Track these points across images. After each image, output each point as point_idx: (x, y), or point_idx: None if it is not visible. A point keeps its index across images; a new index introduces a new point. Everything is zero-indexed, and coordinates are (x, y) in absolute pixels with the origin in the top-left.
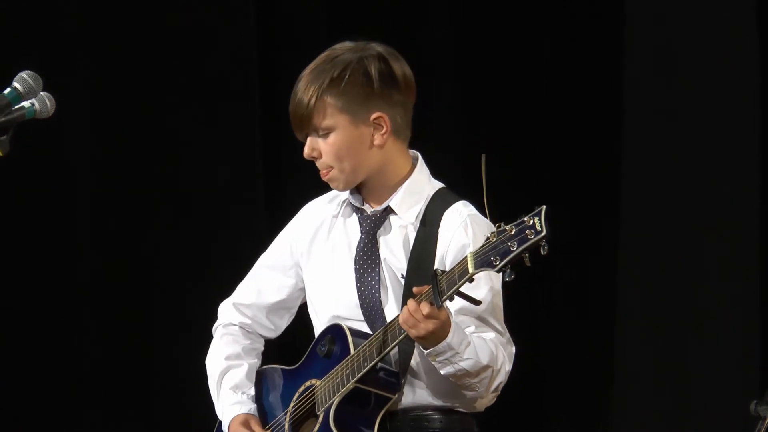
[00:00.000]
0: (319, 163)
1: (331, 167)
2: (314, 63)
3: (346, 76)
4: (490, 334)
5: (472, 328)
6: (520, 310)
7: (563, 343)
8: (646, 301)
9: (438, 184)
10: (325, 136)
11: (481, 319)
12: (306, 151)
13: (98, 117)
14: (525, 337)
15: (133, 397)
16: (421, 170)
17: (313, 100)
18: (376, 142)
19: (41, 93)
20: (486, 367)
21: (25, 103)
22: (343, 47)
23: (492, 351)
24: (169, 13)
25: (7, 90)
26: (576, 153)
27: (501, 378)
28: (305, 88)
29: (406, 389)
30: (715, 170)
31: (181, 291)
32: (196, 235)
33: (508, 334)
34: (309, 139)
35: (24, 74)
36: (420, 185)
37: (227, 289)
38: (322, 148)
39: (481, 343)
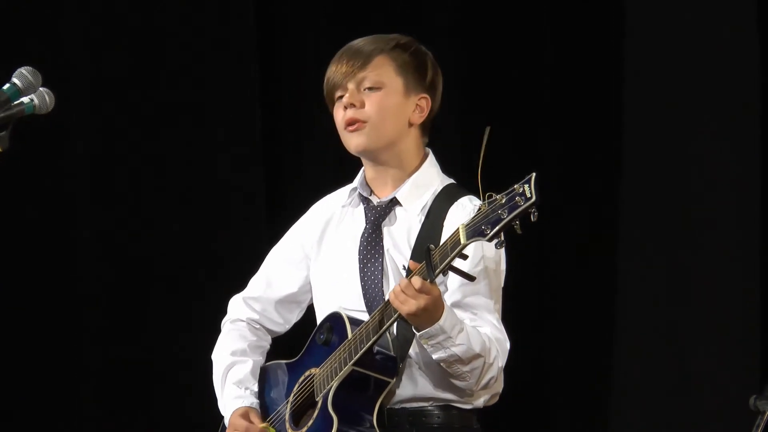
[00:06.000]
0: (355, 113)
1: (366, 122)
2: (365, 38)
3: (412, 48)
4: (486, 329)
5: (467, 321)
6: (522, 310)
7: (564, 340)
8: (645, 296)
9: (447, 180)
10: (372, 90)
11: (476, 314)
12: (347, 99)
13: (97, 114)
14: (527, 334)
15: (134, 397)
16: (431, 164)
17: (375, 53)
18: (413, 120)
19: (40, 88)
20: (477, 356)
21: (25, 99)
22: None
23: (485, 342)
24: (167, 9)
25: (6, 86)
26: (575, 148)
27: (493, 372)
28: (368, 42)
29: (404, 380)
30: (716, 165)
31: (181, 290)
32: (196, 234)
33: (503, 329)
34: (351, 90)
35: (23, 70)
36: (428, 179)
37: (228, 288)
38: (366, 101)
39: (474, 333)
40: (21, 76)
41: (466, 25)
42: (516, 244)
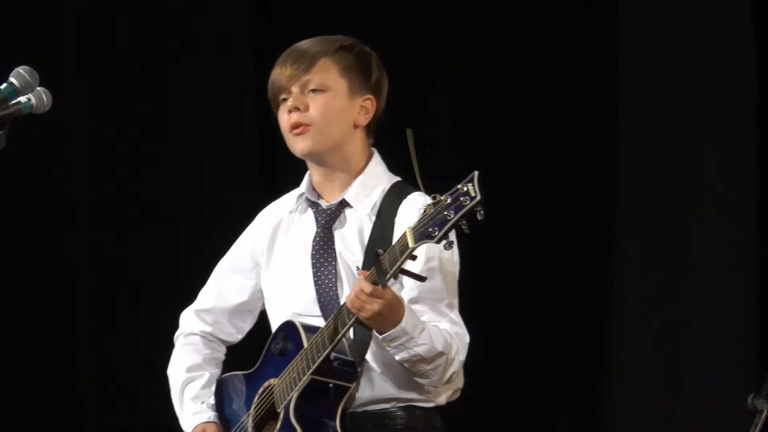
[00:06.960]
0: (300, 117)
1: (310, 125)
2: (310, 39)
3: (356, 49)
4: (444, 324)
5: (425, 318)
6: (519, 311)
7: (560, 341)
8: (642, 295)
9: (395, 178)
10: (316, 93)
11: (434, 309)
12: (291, 102)
13: (93, 113)
14: (524, 335)
15: (129, 397)
16: (377, 164)
17: (319, 56)
18: (358, 122)
19: (38, 88)
20: (440, 354)
21: (22, 99)
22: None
23: (446, 339)
24: (165, 8)
25: (4, 85)
26: (571, 148)
27: (455, 367)
28: (312, 44)
29: (364, 382)
30: (712, 166)
31: (177, 290)
32: (192, 234)
33: (462, 323)
34: (295, 93)
35: (20, 69)
36: (375, 178)
37: None
38: (311, 104)
39: (435, 331)
40: (18, 75)
41: (463, 23)
42: (514, 244)
